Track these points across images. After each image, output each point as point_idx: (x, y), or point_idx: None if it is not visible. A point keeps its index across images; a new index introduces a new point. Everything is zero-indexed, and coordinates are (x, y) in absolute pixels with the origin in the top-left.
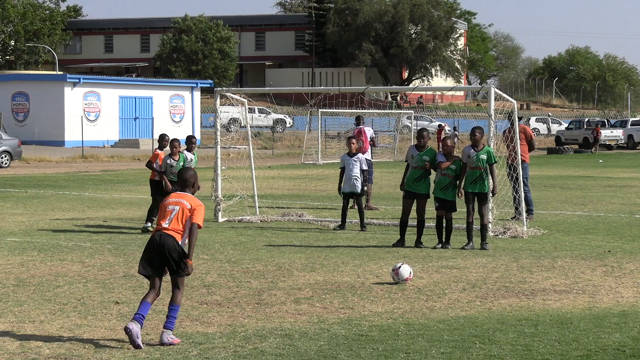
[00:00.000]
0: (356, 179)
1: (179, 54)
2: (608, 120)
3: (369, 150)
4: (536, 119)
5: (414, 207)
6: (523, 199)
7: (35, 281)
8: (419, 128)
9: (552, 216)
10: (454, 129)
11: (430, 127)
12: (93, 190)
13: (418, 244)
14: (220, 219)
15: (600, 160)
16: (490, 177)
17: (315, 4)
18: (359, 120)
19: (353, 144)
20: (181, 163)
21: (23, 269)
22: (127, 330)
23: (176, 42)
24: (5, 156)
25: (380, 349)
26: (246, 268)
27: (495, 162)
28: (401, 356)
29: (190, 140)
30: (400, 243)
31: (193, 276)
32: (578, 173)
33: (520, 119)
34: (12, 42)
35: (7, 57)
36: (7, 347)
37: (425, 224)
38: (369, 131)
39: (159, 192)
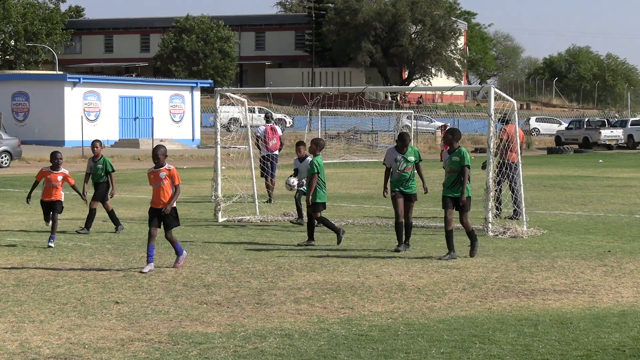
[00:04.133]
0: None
1: (179, 53)
2: (608, 120)
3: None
4: (536, 118)
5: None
6: (523, 198)
7: (35, 281)
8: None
9: (552, 216)
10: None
11: (430, 126)
12: (93, 190)
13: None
14: (220, 219)
15: (600, 160)
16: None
17: (314, 4)
18: (268, 118)
19: (303, 149)
20: (100, 165)
21: (23, 269)
22: None
23: (177, 42)
24: (5, 156)
25: (380, 349)
26: (246, 268)
27: (421, 161)
28: (401, 356)
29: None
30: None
31: (193, 276)
32: (578, 173)
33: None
34: (12, 42)
35: (7, 57)
36: (7, 347)
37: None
38: (279, 129)
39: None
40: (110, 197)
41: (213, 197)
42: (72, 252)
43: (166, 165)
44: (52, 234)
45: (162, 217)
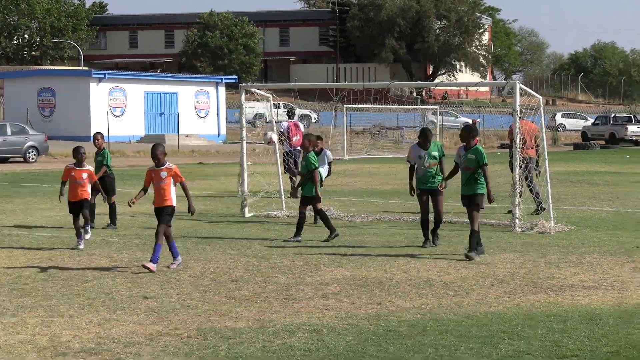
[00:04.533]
0: (323, 166)
1: (204, 49)
2: (634, 116)
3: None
4: (562, 114)
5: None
6: (550, 194)
7: (63, 276)
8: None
9: (579, 212)
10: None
11: (455, 122)
12: (120, 185)
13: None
14: (247, 214)
15: (627, 156)
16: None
17: (338, 0)
18: (291, 113)
19: (320, 143)
20: (99, 158)
21: (52, 264)
22: None
23: (201, 38)
24: (32, 151)
25: (409, 345)
26: (273, 263)
27: (444, 156)
28: (430, 352)
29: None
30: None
31: (221, 271)
32: (605, 169)
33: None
34: (38, 39)
35: (33, 53)
36: (37, 341)
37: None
38: (301, 125)
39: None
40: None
41: (239, 193)
42: (100, 247)
43: (167, 164)
44: (83, 233)
45: (160, 213)
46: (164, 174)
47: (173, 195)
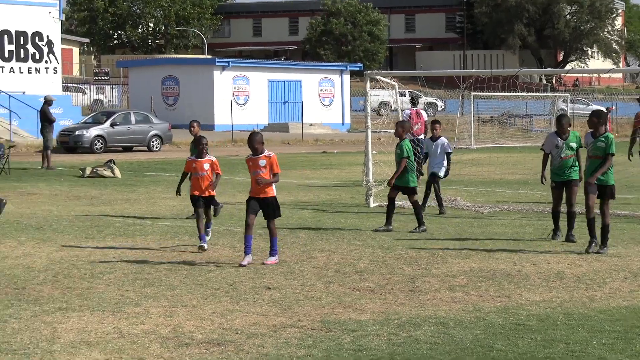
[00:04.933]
0: (440, 163)
1: (328, 37)
2: None
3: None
4: None
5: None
6: None
7: (187, 265)
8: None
9: None
10: None
11: (586, 110)
12: (243, 174)
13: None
14: (372, 204)
15: None
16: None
17: None
18: (413, 101)
19: (438, 127)
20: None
21: (175, 254)
22: None
23: (325, 26)
24: (156, 140)
25: (539, 339)
26: (398, 254)
27: (582, 147)
28: (560, 347)
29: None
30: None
31: (345, 262)
32: None
33: None
34: (163, 27)
35: (157, 42)
36: (161, 331)
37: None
38: (424, 113)
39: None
40: None
41: (364, 182)
42: (223, 237)
43: (265, 152)
44: (208, 228)
45: (263, 206)
46: (262, 162)
47: (273, 185)
